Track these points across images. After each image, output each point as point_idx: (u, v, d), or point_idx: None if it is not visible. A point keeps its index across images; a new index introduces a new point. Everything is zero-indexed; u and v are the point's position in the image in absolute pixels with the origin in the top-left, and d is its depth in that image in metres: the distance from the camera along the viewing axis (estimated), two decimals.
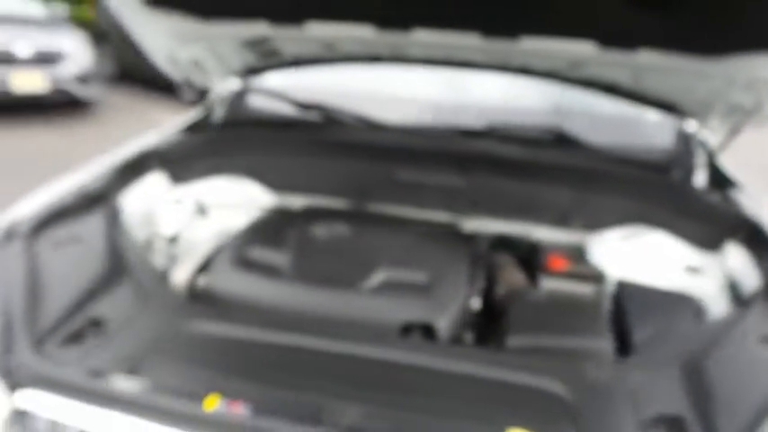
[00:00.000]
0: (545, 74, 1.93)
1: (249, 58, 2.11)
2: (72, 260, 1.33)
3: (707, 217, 1.69)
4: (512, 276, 1.61)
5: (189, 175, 1.92)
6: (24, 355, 1.02)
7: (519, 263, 1.68)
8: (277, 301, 1.37)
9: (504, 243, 1.78)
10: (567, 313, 1.46)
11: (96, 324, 1.20)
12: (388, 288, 1.42)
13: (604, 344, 1.32)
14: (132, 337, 1.18)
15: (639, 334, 1.38)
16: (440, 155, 1.90)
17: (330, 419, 1.02)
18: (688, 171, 1.88)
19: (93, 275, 1.31)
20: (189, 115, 2.24)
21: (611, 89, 1.93)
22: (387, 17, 1.75)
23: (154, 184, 1.84)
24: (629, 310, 1.47)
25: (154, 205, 1.78)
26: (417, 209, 1.89)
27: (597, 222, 1.81)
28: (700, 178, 1.88)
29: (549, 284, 1.60)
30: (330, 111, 2.08)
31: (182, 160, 1.92)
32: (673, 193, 1.79)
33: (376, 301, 1.39)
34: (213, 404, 0.99)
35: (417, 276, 1.46)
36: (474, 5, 1.59)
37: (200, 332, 1.25)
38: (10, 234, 1.32)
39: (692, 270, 1.62)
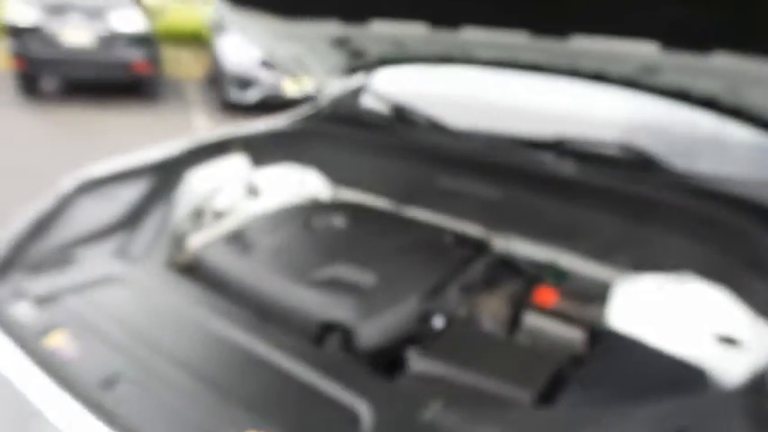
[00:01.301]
0: (618, 81, 1.65)
1: (342, 57, 2.23)
2: (95, 211, 1.60)
3: None
4: (489, 303, 1.43)
5: (267, 160, 2.13)
6: None
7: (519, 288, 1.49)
8: (235, 279, 1.46)
9: (507, 263, 1.59)
10: (499, 353, 1.26)
11: (68, 261, 1.42)
12: (331, 284, 1.40)
13: (519, 393, 1.11)
14: (81, 276, 1.36)
15: (606, 393, 1.12)
16: (483, 165, 1.77)
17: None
18: None
19: (97, 226, 1.55)
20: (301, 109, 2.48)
21: (706, 102, 1.57)
22: (445, 15, 1.71)
23: (234, 164, 2.09)
24: (610, 367, 1.20)
25: (221, 182, 2.02)
26: (449, 218, 1.80)
27: (646, 263, 1.49)
28: None
29: (531, 320, 1.38)
30: (404, 112, 2.10)
31: (263, 146, 2.14)
32: (759, 242, 1.38)
33: (310, 294, 1.38)
34: None
35: (367, 279, 1.40)
36: (523, 2, 1.46)
37: (136, 288, 1.33)
38: (74, 186, 1.66)
39: (728, 341, 1.24)
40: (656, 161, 1.65)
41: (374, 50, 2.13)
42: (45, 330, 1.12)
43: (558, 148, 1.76)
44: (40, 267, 1.37)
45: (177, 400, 0.97)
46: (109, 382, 0.98)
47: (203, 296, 1.32)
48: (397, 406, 1.00)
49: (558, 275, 1.59)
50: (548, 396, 1.12)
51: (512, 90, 2.18)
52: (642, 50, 1.43)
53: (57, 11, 7.94)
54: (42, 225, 1.48)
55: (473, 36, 1.71)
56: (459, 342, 1.28)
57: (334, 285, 1.41)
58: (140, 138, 6.10)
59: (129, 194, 1.70)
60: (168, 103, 8.88)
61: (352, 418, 0.96)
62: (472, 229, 1.75)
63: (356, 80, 2.46)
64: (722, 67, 1.35)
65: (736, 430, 0.85)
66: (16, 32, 7.85)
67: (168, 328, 1.18)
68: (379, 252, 1.55)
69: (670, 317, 1.31)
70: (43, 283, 1.31)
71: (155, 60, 9.04)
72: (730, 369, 1.17)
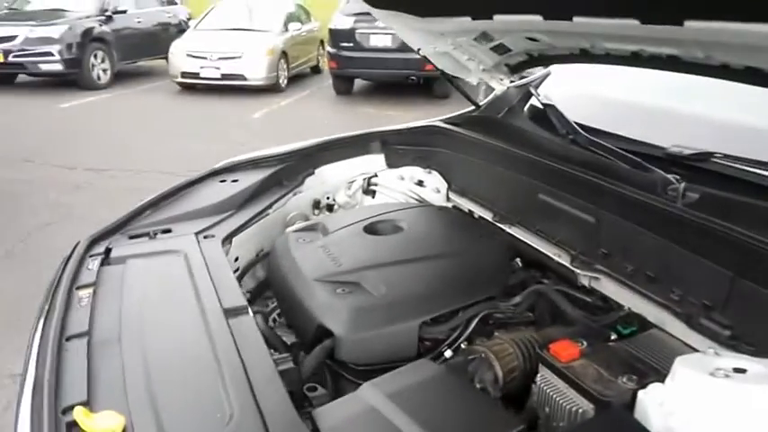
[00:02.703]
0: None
1: (493, 55, 2.07)
2: (213, 192, 1.81)
3: None
4: (501, 345, 1.16)
5: (400, 160, 2.12)
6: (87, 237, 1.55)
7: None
8: (279, 265, 1.50)
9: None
10: (458, 404, 1.02)
11: (165, 231, 1.64)
12: (347, 288, 1.32)
13: None
14: (158, 246, 1.56)
15: None
16: (582, 182, 1.45)
17: None
18: None
19: (207, 204, 1.75)
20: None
21: None
22: (556, 7, 1.47)
23: (368, 162, 2.14)
24: None
25: (351, 179, 2.09)
26: (543, 241, 1.52)
27: (749, 335, 1.05)
28: None
29: (544, 376, 1.09)
30: (550, 113, 1.85)
31: (397, 146, 2.13)
32: None
33: (319, 295, 1.33)
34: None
35: (379, 292, 1.28)
36: None
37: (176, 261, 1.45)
38: (211, 173, 1.92)
39: None
40: None
41: (515, 46, 1.92)
42: (83, 285, 1.36)
43: (700, 165, 1.35)
44: (138, 235, 1.64)
45: (108, 363, 1.08)
46: (73, 337, 1.14)
47: (222, 279, 1.40)
48: (272, 424, 0.93)
49: (628, 327, 1.23)
50: None
51: (692, 97, 1.73)
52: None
53: (367, 17, 9.04)
54: (162, 200, 1.76)
55: (586, 27, 1.43)
56: (420, 382, 1.09)
57: (346, 290, 1.35)
58: None
59: (253, 180, 1.89)
60: (460, 103, 9.35)
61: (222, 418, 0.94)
62: (558, 257, 1.46)
63: (525, 80, 2.26)
64: None
65: None
66: (334, 37, 9.22)
67: (164, 300, 1.30)
68: (415, 264, 1.41)
69: (731, 420, 0.89)
70: (126, 247, 1.57)
71: None
72: None
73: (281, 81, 10.14)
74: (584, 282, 1.41)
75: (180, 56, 9.89)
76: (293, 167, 2.00)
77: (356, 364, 1.23)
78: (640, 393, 0.99)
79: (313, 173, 2.03)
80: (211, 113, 8.60)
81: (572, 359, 1.08)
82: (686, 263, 1.19)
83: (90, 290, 1.32)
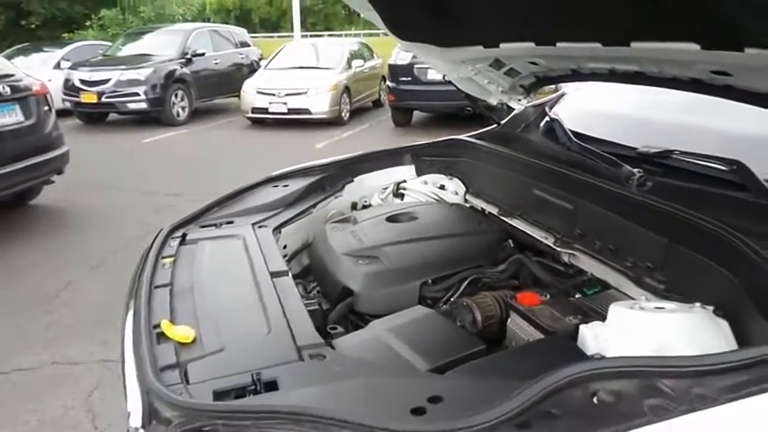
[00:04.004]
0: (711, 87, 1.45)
1: (506, 78, 2.39)
2: (267, 194, 2.20)
3: None
4: (479, 300, 1.46)
5: (427, 169, 2.46)
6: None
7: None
8: (316, 248, 1.86)
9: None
10: (434, 331, 1.34)
11: (229, 222, 2.03)
12: (366, 259, 1.66)
13: (419, 363, 1.21)
14: (223, 232, 1.94)
15: None
16: (562, 177, 1.75)
17: None
18: None
19: (263, 203, 2.14)
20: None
21: None
22: (542, 36, 1.79)
23: (401, 171, 2.49)
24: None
25: (385, 185, 2.44)
26: (534, 227, 1.82)
27: (678, 287, 1.31)
28: None
29: (513, 319, 1.38)
30: (556, 127, 2.15)
31: (425, 158, 2.48)
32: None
33: (344, 264, 1.68)
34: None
35: (391, 261, 1.62)
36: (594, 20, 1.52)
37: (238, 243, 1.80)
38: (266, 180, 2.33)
39: None
40: (750, 177, 1.39)
41: (523, 69, 2.24)
42: (167, 255, 1.76)
43: (663, 161, 1.63)
44: (207, 225, 2.04)
45: (183, 302, 1.45)
46: (161, 286, 1.53)
47: (271, 253, 1.77)
48: (295, 335, 1.27)
49: (592, 288, 1.51)
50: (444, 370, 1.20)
51: (664, 108, 2.01)
52: (687, 52, 1.29)
53: None
54: (227, 201, 2.17)
55: (571, 51, 1.75)
56: (409, 319, 1.42)
57: (365, 261, 1.68)
58: None
59: (300, 185, 2.27)
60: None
61: (261, 331, 1.29)
62: (544, 238, 1.77)
63: (543, 100, 2.57)
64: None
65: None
66: (393, 72, 9.74)
67: (225, 266, 1.68)
68: (423, 242, 1.74)
69: (640, 341, 1.16)
70: (200, 233, 1.97)
71: None
72: None
73: (343, 114, 10.76)
74: (565, 258, 1.69)
75: (251, 93, 10.70)
76: (335, 176, 2.37)
77: (370, 315, 1.56)
78: (582, 327, 1.28)
79: (352, 180, 2.39)
80: (278, 144, 9.26)
81: (533, 304, 1.38)
82: (635, 235, 1.47)
83: (171, 259, 1.73)
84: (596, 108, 2.35)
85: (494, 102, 2.60)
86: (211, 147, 9.35)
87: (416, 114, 10.75)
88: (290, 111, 10.34)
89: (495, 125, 2.64)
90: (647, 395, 0.85)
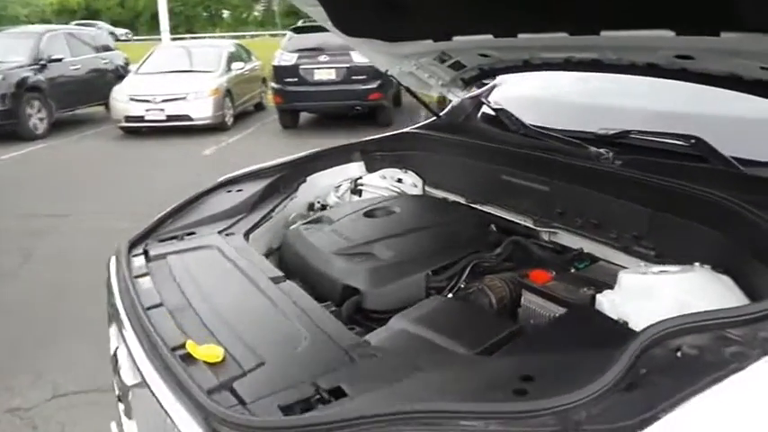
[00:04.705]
0: (670, 71, 1.60)
1: (450, 71, 2.47)
2: (223, 201, 2.09)
3: None
4: (491, 283, 1.52)
5: (378, 165, 2.47)
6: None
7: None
8: (297, 251, 1.80)
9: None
10: (465, 318, 1.37)
11: (190, 234, 1.91)
12: (361, 257, 1.64)
13: (462, 349, 1.23)
14: (189, 244, 1.83)
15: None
16: (541, 160, 1.85)
17: None
18: None
19: (221, 210, 2.03)
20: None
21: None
22: (503, 27, 1.86)
23: (351, 168, 2.47)
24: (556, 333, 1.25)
25: (338, 183, 2.41)
26: (508, 211, 1.91)
27: (668, 252, 1.44)
28: None
29: (527, 297, 1.45)
30: (501, 115, 2.25)
31: (375, 153, 2.48)
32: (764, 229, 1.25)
33: (339, 264, 1.64)
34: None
35: (389, 255, 1.61)
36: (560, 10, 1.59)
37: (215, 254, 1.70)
38: (216, 183, 2.21)
39: None
40: (711, 151, 1.56)
41: (469, 62, 2.33)
42: (138, 275, 1.61)
43: (623, 141, 1.77)
44: (168, 238, 1.90)
45: (188, 321, 1.35)
46: (150, 307, 1.41)
47: (257, 260, 1.70)
48: (333, 339, 1.23)
49: (583, 262, 1.61)
50: (492, 352, 1.23)
51: (614, 93, 2.18)
52: (661, 38, 1.42)
53: (310, 52, 9.47)
54: (181, 210, 2.03)
55: (528, 42, 1.84)
56: (436, 307, 1.44)
57: (361, 258, 1.66)
58: None
59: (255, 189, 2.17)
60: (401, 127, 9.74)
61: (296, 340, 1.21)
62: (522, 220, 1.86)
63: (477, 92, 2.67)
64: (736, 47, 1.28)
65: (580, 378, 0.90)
66: (279, 73, 9.58)
67: (215, 278, 1.58)
68: (413, 235, 1.75)
69: (656, 301, 1.26)
70: (163, 248, 1.83)
71: (389, 90, 10.10)
72: None
73: (226, 119, 10.38)
74: (545, 237, 1.79)
75: (123, 100, 9.99)
76: (288, 177, 2.29)
77: (378, 312, 1.54)
78: (598, 296, 1.35)
79: (305, 180, 2.33)
80: (160, 154, 8.73)
81: (546, 281, 1.44)
82: (618, 208, 1.59)
83: (147, 278, 1.59)
84: (533, 96, 2.48)
85: (434, 95, 2.66)
86: (83, 161, 8.59)
87: (304, 115, 10.65)
88: (169, 118, 9.79)
89: (435, 117, 2.70)
90: (724, 345, 0.93)
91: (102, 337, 1.76)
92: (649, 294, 1.29)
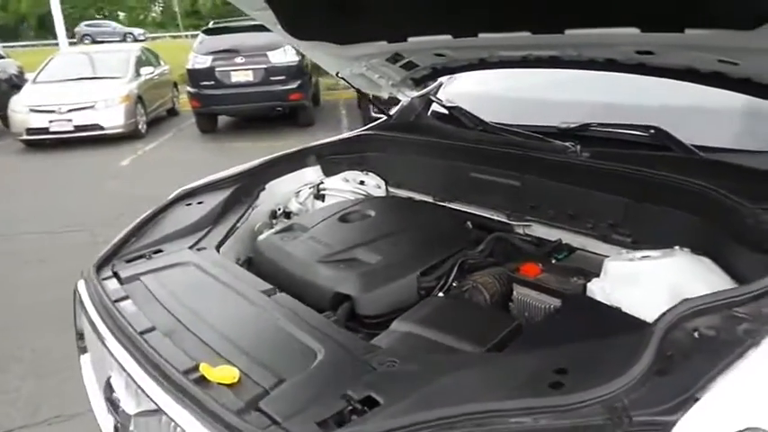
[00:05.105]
0: (628, 66, 1.70)
1: (401, 71, 2.48)
2: (184, 214, 2.01)
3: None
4: (481, 279, 1.56)
5: (335, 168, 2.45)
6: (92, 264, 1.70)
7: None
8: (275, 262, 1.76)
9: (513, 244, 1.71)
10: (466, 316, 1.41)
11: (157, 252, 1.83)
12: (346, 263, 1.64)
13: (470, 347, 1.26)
14: (160, 262, 1.76)
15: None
16: (510, 156, 1.91)
17: None
18: None
19: (185, 226, 1.95)
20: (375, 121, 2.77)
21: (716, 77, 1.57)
22: (463, 27, 1.89)
23: (309, 173, 2.44)
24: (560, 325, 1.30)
25: (297, 189, 2.37)
26: (479, 207, 1.95)
27: (644, 239, 1.53)
28: None
29: (519, 291, 1.50)
30: (456, 113, 2.30)
31: (331, 156, 2.46)
32: (745, 214, 1.36)
33: (326, 271, 1.62)
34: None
35: (376, 259, 1.62)
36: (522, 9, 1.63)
37: (194, 269, 1.64)
38: (173, 197, 2.11)
39: None
40: (672, 139, 1.68)
41: (423, 62, 2.36)
42: (118, 299, 1.52)
43: (584, 134, 1.85)
44: (134, 258, 1.80)
45: (188, 343, 1.29)
46: (144, 331, 1.34)
47: (241, 273, 1.65)
48: (346, 349, 1.22)
49: (562, 253, 1.68)
50: (500, 348, 1.27)
51: (563, 87, 2.27)
52: (627, 35, 1.50)
53: (225, 54, 9.21)
54: (142, 227, 1.93)
55: (488, 41, 1.88)
56: (435, 307, 1.46)
57: (348, 264, 1.65)
58: None
59: (216, 200, 2.10)
60: (325, 128, 9.71)
61: (310, 356, 1.19)
62: (495, 216, 1.91)
63: (424, 90, 2.70)
64: (697, 42, 1.38)
65: (612, 368, 0.94)
66: (193, 77, 9.25)
67: (202, 296, 1.52)
68: (393, 237, 1.76)
69: (645, 285, 1.34)
70: (132, 268, 1.73)
71: (308, 89, 10.01)
72: None
73: (140, 127, 9.89)
74: (519, 230, 1.85)
75: (22, 112, 9.28)
76: (247, 186, 2.23)
77: (370, 317, 1.54)
78: (588, 285, 1.42)
79: (264, 188, 2.28)
80: (73, 166, 8.19)
81: (537, 274, 1.50)
82: (593, 198, 1.67)
83: (128, 301, 1.50)
84: (483, 92, 2.54)
85: (384, 95, 2.67)
86: None
87: (223, 118, 10.35)
88: (78, 128, 9.19)
89: (386, 118, 2.71)
90: (735, 323, 1.00)
91: None
92: (637, 280, 1.36)
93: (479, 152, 2.02)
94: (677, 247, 1.43)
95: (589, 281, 1.44)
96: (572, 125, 1.93)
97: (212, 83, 9.16)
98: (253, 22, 11.04)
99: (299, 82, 9.29)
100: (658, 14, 1.39)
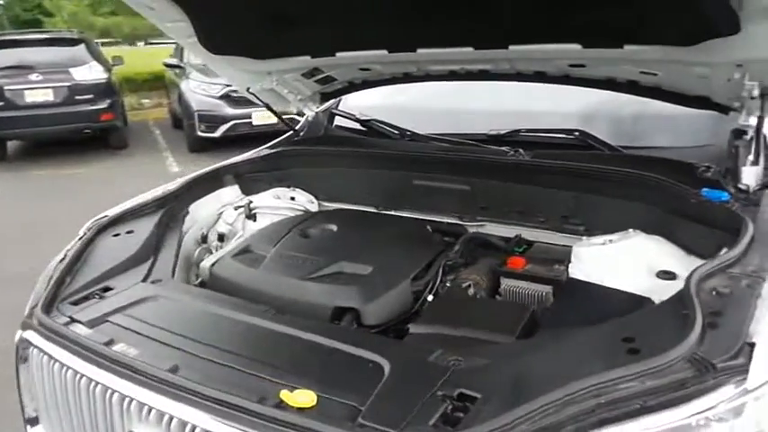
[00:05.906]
0: (557, 78, 1.95)
1: (314, 86, 2.49)
2: (117, 246, 1.80)
3: (715, 223, 1.55)
4: (470, 276, 1.68)
5: (256, 187, 2.35)
6: (38, 311, 1.46)
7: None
8: (249, 286, 1.66)
9: (483, 243, 1.86)
10: (483, 310, 1.53)
11: (105, 290, 1.62)
12: (335, 277, 1.63)
13: (502, 337, 1.36)
14: (120, 300, 1.57)
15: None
16: (451, 162, 2.04)
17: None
18: (727, 171, 1.71)
19: (124, 257, 1.75)
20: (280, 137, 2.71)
21: (630, 86, 1.87)
22: (402, 42, 1.97)
23: (227, 194, 2.31)
24: (571, 306, 1.47)
25: (219, 210, 2.23)
26: (429, 213, 2.06)
27: (596, 226, 1.77)
28: (748, 176, 1.70)
29: (507, 283, 1.65)
30: (373, 125, 2.37)
31: (250, 174, 2.36)
32: (681, 195, 1.66)
33: (320, 287, 1.60)
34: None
35: (365, 270, 1.63)
36: (465, 22, 1.73)
37: (170, 302, 1.54)
38: (94, 228, 1.86)
39: (666, 274, 1.50)
40: (596, 140, 1.96)
41: (342, 76, 2.39)
42: (107, 342, 1.32)
43: (514, 139, 2.05)
44: (81, 300, 1.56)
45: (229, 375, 1.19)
46: (173, 370, 1.19)
47: (228, 300, 1.54)
48: (408, 356, 1.23)
49: (522, 246, 1.85)
50: (526, 337, 1.38)
51: (472, 96, 2.47)
52: (568, 51, 1.73)
53: (16, 71, 8.08)
54: (74, 264, 1.67)
55: (428, 56, 2.00)
56: (447, 306, 1.54)
57: (339, 278, 1.64)
58: (118, 189, 6.08)
59: (146, 227, 1.89)
60: (141, 151, 8.95)
61: (377, 368, 1.20)
62: (448, 219, 2.03)
63: (327, 104, 2.72)
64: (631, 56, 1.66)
65: (669, 330, 1.10)
66: None
67: (206, 326, 1.40)
68: (370, 247, 1.78)
69: (617, 265, 1.56)
70: (89, 311, 1.50)
71: (120, 109, 9.20)
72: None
73: None
74: (473, 230, 1.98)
75: None
76: (172, 210, 2.04)
77: (375, 326, 1.54)
78: (570, 269, 1.61)
79: (188, 212, 2.11)
80: None
81: (524, 266, 1.64)
82: (543, 194, 1.87)
83: (121, 344, 1.32)
84: (392, 105, 2.61)
85: (293, 110, 2.64)
86: None
87: (14, 142, 9.01)
88: None
89: (291, 132, 2.67)
90: (737, 281, 1.23)
91: None
92: (614, 261, 1.58)
93: (420, 160, 2.11)
94: (631, 230, 1.68)
95: (567, 267, 1.63)
96: (502, 131, 2.13)
97: (2, 104, 7.94)
98: (46, 36, 9.90)
99: (109, 101, 8.50)
100: (601, 32, 1.62)
